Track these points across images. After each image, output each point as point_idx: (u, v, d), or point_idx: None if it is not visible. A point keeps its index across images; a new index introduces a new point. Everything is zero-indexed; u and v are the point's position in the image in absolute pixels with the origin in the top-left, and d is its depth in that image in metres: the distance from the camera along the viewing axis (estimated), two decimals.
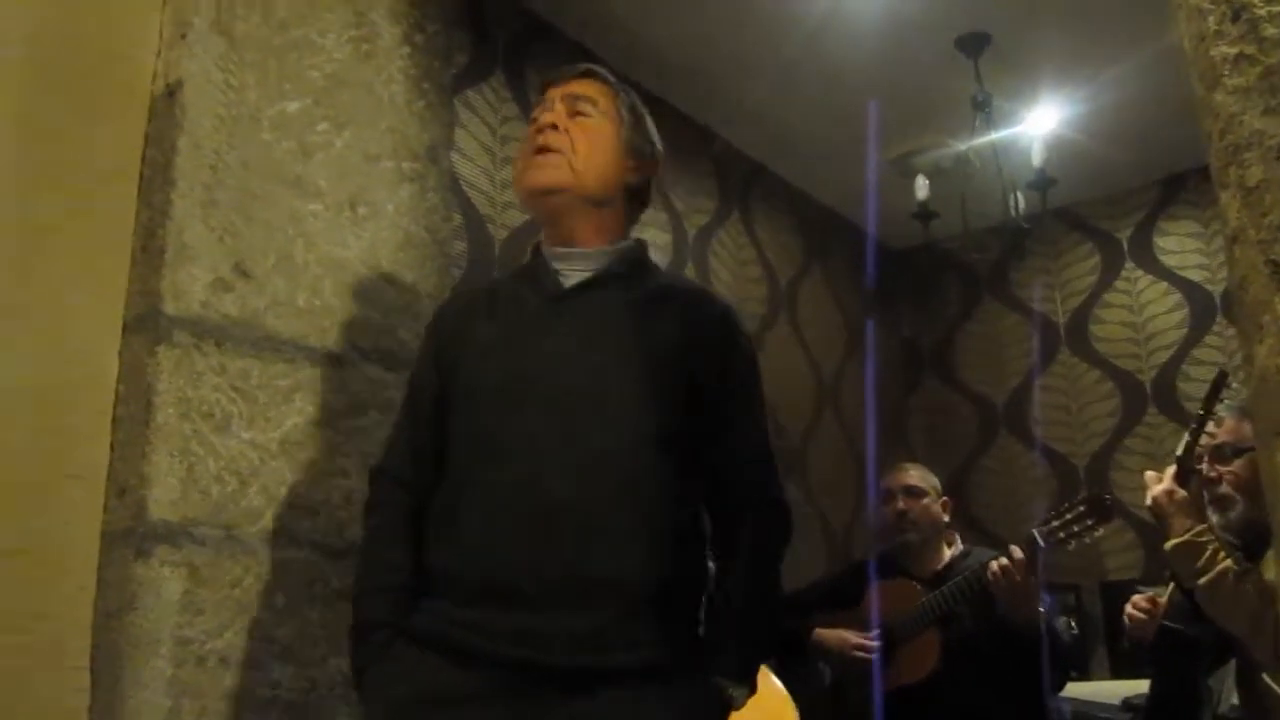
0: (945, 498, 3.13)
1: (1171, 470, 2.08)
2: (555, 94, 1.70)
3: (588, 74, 1.74)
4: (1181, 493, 2.03)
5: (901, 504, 3.05)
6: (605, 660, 1.39)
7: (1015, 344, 5.19)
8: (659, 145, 1.77)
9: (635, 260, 1.69)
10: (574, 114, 1.67)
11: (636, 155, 1.71)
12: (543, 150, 1.64)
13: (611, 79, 1.75)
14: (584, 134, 1.65)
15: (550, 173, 1.62)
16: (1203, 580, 1.93)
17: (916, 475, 3.12)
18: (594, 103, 1.69)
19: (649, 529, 1.47)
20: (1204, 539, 1.95)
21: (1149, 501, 2.08)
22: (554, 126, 1.64)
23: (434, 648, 1.44)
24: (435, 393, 1.64)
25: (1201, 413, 2.12)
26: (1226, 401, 2.14)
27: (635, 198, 1.74)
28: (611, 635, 1.40)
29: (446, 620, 1.45)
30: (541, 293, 1.64)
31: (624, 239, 1.71)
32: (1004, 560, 2.65)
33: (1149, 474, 2.12)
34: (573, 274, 1.64)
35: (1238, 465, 2.10)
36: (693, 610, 1.53)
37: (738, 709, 1.49)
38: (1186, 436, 2.12)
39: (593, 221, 1.66)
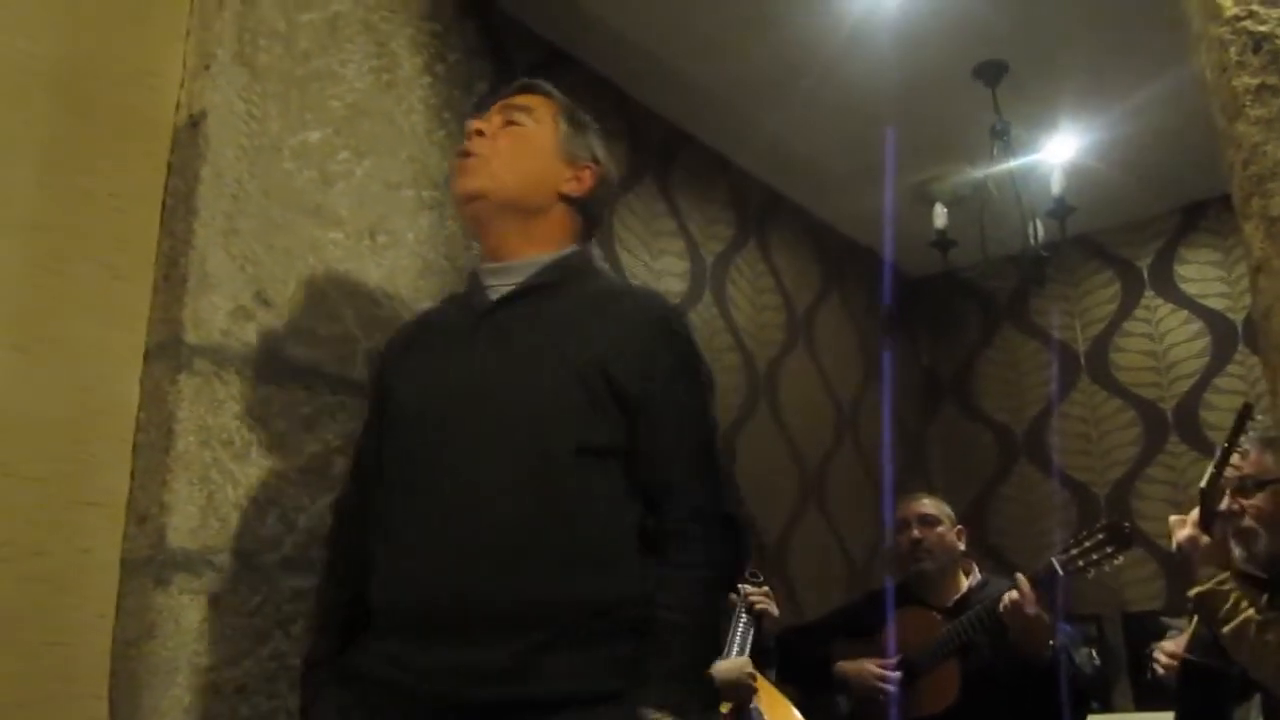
0: (960, 526, 3.11)
1: (1195, 513, 2.06)
2: (495, 106, 1.69)
3: (528, 88, 1.71)
4: (1205, 538, 2.01)
5: (916, 532, 3.02)
6: (525, 692, 1.34)
7: (1035, 372, 5.16)
8: (601, 156, 1.70)
9: (570, 269, 1.62)
10: (508, 123, 1.64)
11: (573, 162, 1.65)
12: (463, 155, 1.62)
13: (554, 92, 1.71)
14: (510, 138, 1.62)
15: (468, 179, 1.60)
16: (1226, 630, 1.91)
17: (930, 504, 3.10)
18: (529, 111, 1.66)
19: (573, 552, 1.40)
20: (1227, 586, 1.93)
21: (1174, 548, 2.06)
22: (480, 133, 1.62)
23: (362, 685, 1.42)
24: (376, 427, 1.63)
25: (1225, 445, 2.10)
26: (1251, 433, 2.12)
27: (578, 208, 1.67)
28: (532, 666, 1.35)
29: (374, 656, 1.43)
30: (468, 312, 1.60)
31: (562, 249, 1.64)
32: (1014, 594, 2.63)
33: (1173, 518, 2.09)
34: (500, 289, 1.59)
35: (1260, 498, 2.08)
36: (626, 632, 1.41)
37: None
38: (1210, 469, 2.10)
39: (521, 230, 1.61)
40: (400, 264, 2.13)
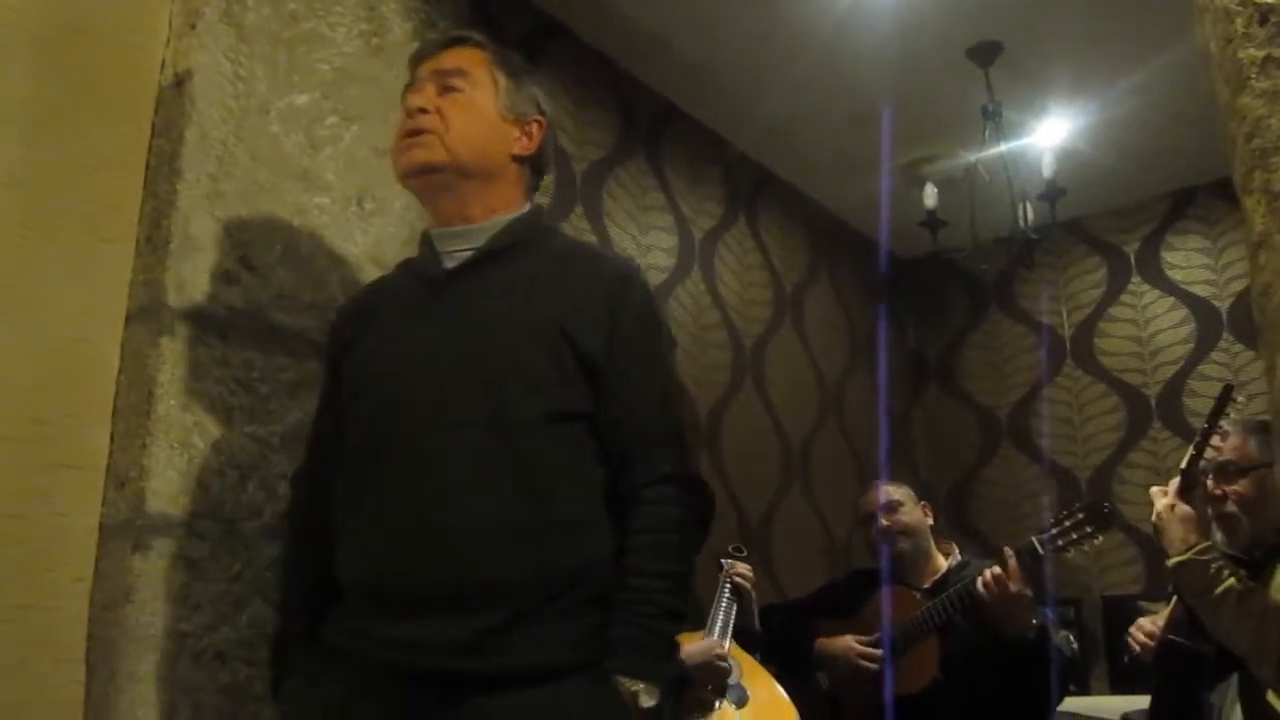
0: (925, 502, 3.13)
1: (1175, 483, 2.07)
2: (425, 71, 1.61)
3: (456, 41, 1.64)
4: (1184, 507, 2.02)
5: (883, 521, 3.02)
6: (490, 665, 1.33)
7: (1020, 355, 5.18)
8: (543, 104, 1.66)
9: (525, 231, 1.59)
10: (445, 90, 1.57)
11: (519, 121, 1.61)
12: (413, 133, 1.55)
13: (484, 41, 1.64)
14: (456, 109, 1.56)
15: (421, 152, 1.54)
16: (1205, 599, 1.91)
17: (888, 490, 3.10)
18: (464, 74, 1.59)
19: (535, 521, 1.38)
20: (1206, 556, 1.94)
21: (1154, 517, 2.06)
22: (423, 110, 1.56)
23: (333, 660, 1.42)
24: (330, 397, 1.61)
25: (1206, 425, 2.11)
26: (1232, 416, 2.13)
27: (529, 165, 1.64)
28: (496, 638, 1.33)
29: (341, 630, 1.43)
30: (423, 281, 1.58)
31: (517, 210, 1.61)
32: (995, 569, 2.64)
33: (1154, 489, 2.10)
34: (457, 255, 1.56)
35: (1243, 484, 2.09)
36: (593, 600, 1.40)
37: (647, 705, 1.36)
38: (1191, 449, 2.11)
39: (477, 197, 1.58)
40: (387, 231, 2.10)
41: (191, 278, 1.75)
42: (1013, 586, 2.61)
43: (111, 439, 1.71)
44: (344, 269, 2.00)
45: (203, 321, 1.75)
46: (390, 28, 2.21)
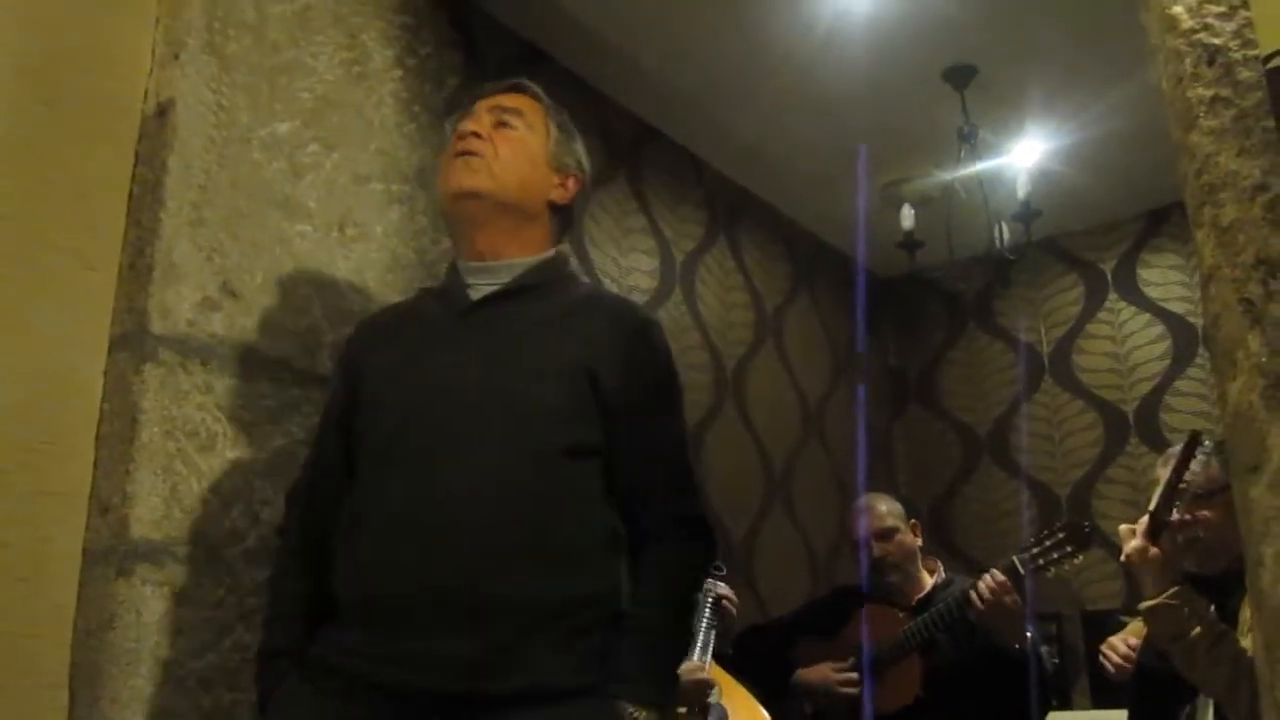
0: (914, 520, 3.13)
1: (1145, 523, 2.05)
2: (482, 105, 1.69)
3: (516, 88, 1.72)
4: (1154, 550, 2.00)
5: (878, 551, 3.01)
6: (494, 685, 1.35)
7: (999, 373, 5.21)
8: (586, 164, 1.75)
9: (553, 272, 1.66)
10: (499, 125, 1.65)
11: (561, 170, 1.69)
12: (464, 154, 1.62)
13: (541, 94, 1.73)
14: (507, 143, 1.64)
15: (471, 176, 1.61)
16: (1178, 644, 1.92)
17: (883, 512, 3.06)
18: (520, 115, 1.67)
19: (546, 547, 1.42)
20: (1176, 601, 1.94)
21: (1123, 558, 2.05)
22: (476, 135, 1.63)
23: (326, 676, 1.42)
24: (342, 411, 1.63)
25: (1174, 475, 2.08)
26: (1206, 452, 2.13)
27: (559, 215, 1.72)
28: (502, 659, 1.36)
29: (336, 647, 1.43)
30: (450, 307, 1.62)
31: (544, 253, 1.68)
32: (988, 579, 2.66)
33: (1123, 528, 2.09)
34: (484, 287, 1.61)
35: (1211, 509, 2.10)
36: (598, 628, 1.44)
37: None
38: (1158, 494, 2.09)
39: (512, 233, 1.64)
40: (369, 257, 2.13)
41: (174, 305, 1.77)
42: (1007, 598, 2.64)
43: (95, 465, 1.72)
44: (326, 295, 2.02)
45: (185, 348, 1.76)
46: (371, 55, 2.24)
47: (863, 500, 3.16)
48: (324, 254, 2.04)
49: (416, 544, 1.42)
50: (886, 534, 3.02)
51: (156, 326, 1.73)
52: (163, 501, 1.68)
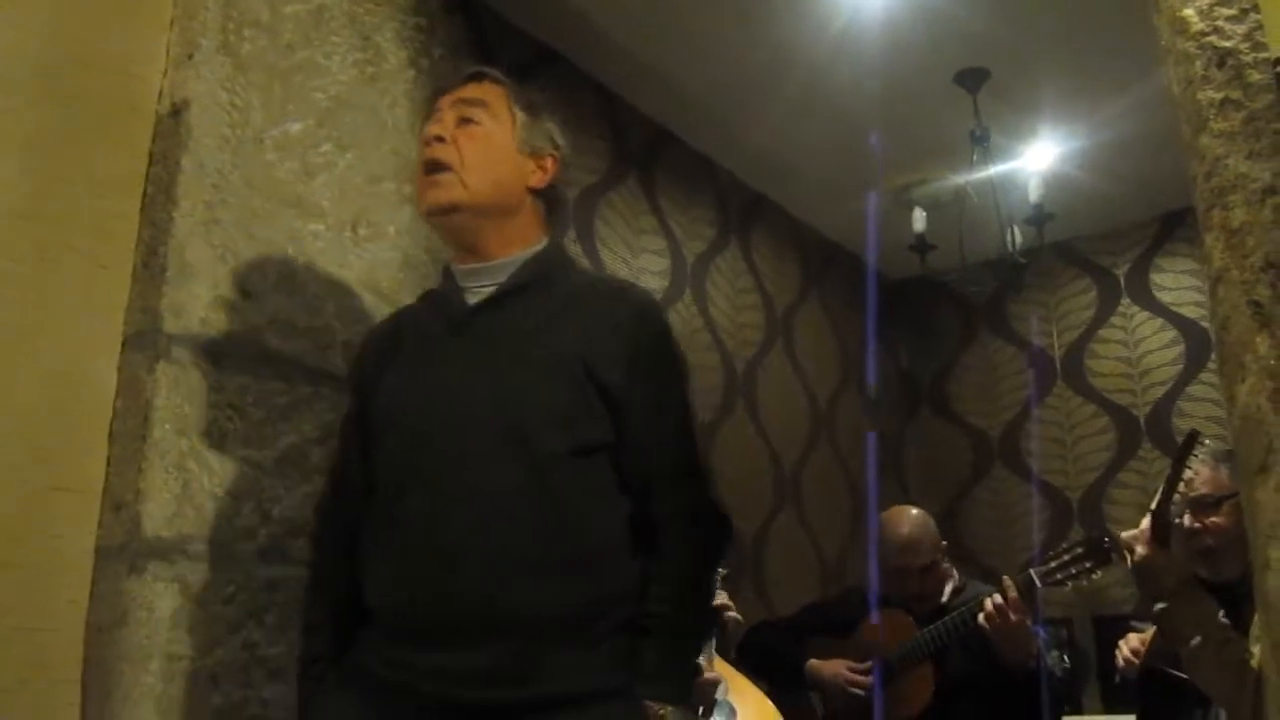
0: (945, 543, 3.07)
1: (1147, 526, 2.03)
2: (445, 102, 1.65)
3: (476, 76, 1.67)
4: (1163, 553, 2.00)
5: (915, 588, 2.95)
6: (520, 692, 1.37)
7: (1011, 377, 5.20)
8: (560, 140, 1.69)
9: (546, 265, 1.63)
10: (463, 121, 1.61)
11: (535, 154, 1.65)
12: (431, 166, 1.59)
13: (501, 77, 1.68)
14: (472, 143, 1.59)
15: (441, 192, 1.57)
16: (1186, 648, 1.92)
17: (927, 547, 2.96)
18: (483, 105, 1.62)
19: (560, 555, 1.41)
20: (1185, 604, 1.93)
21: (1130, 565, 2.04)
22: (440, 138, 1.59)
23: (363, 681, 1.44)
24: (356, 428, 1.64)
25: (1172, 472, 2.08)
26: (1200, 456, 2.12)
27: (544, 198, 1.68)
28: (525, 668, 1.37)
29: (374, 654, 1.46)
30: (446, 317, 1.61)
31: (535, 244, 1.65)
32: (998, 599, 2.64)
33: (1125, 536, 2.07)
34: (478, 291, 1.60)
35: (1220, 515, 2.09)
36: (619, 628, 1.45)
37: None
38: (1159, 493, 2.08)
39: (497, 232, 1.61)
40: (381, 257, 2.13)
41: (187, 304, 1.77)
42: (1014, 617, 2.63)
43: (108, 463, 1.73)
44: (338, 295, 2.03)
45: (198, 347, 1.77)
46: (385, 56, 2.25)
47: (903, 530, 3.00)
48: (336, 253, 2.04)
49: (432, 561, 1.42)
50: (931, 569, 2.96)
51: (169, 325, 1.74)
52: (175, 499, 1.69)
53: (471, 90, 1.64)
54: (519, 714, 1.36)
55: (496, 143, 1.61)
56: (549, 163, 1.67)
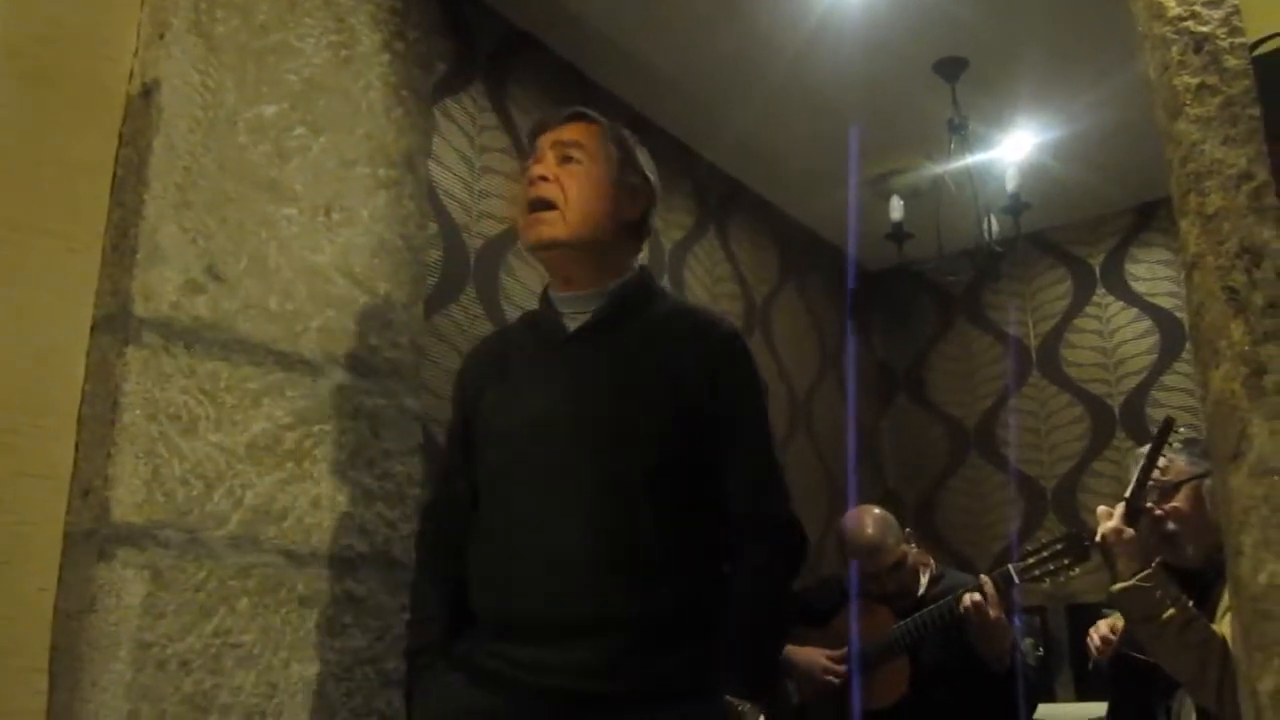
0: (907, 529, 3.07)
1: (1121, 507, 2.07)
2: (545, 141, 1.75)
3: (575, 117, 1.78)
4: (1129, 532, 2.02)
5: (891, 585, 2.95)
6: (617, 686, 1.49)
7: (987, 366, 5.22)
8: (652, 176, 1.81)
9: (637, 293, 1.74)
10: (564, 160, 1.71)
11: (630, 191, 1.76)
12: (536, 204, 1.69)
13: (599, 118, 1.79)
14: (574, 181, 1.70)
15: (546, 229, 1.68)
16: (1148, 626, 1.94)
17: (890, 545, 2.94)
18: (580, 146, 1.73)
19: (652, 566, 1.54)
20: (1149, 584, 1.95)
21: (1097, 538, 2.07)
22: (544, 178, 1.70)
23: (468, 671, 1.58)
24: (461, 442, 1.78)
25: (1148, 459, 2.11)
26: (1176, 445, 2.15)
27: (634, 231, 1.79)
28: (621, 664, 1.50)
29: (479, 647, 1.59)
30: (545, 340, 1.75)
31: (627, 272, 1.76)
32: (976, 596, 2.66)
33: (1101, 509, 2.11)
34: (575, 317, 1.72)
35: (1178, 499, 2.11)
36: (705, 631, 1.57)
37: None
38: (1134, 480, 2.11)
39: (593, 264, 1.72)
40: (355, 242, 2.11)
41: (158, 287, 1.75)
42: (993, 613, 2.65)
43: (76, 448, 1.71)
44: (311, 279, 2.01)
45: (168, 331, 1.75)
46: (359, 39, 2.22)
47: (866, 533, 2.98)
48: (309, 238, 2.02)
49: (528, 567, 1.57)
50: (898, 567, 2.95)
51: (140, 309, 1.72)
52: (144, 485, 1.67)
53: (571, 131, 1.75)
54: (610, 705, 1.49)
55: (596, 181, 1.72)
56: (641, 198, 1.79)
